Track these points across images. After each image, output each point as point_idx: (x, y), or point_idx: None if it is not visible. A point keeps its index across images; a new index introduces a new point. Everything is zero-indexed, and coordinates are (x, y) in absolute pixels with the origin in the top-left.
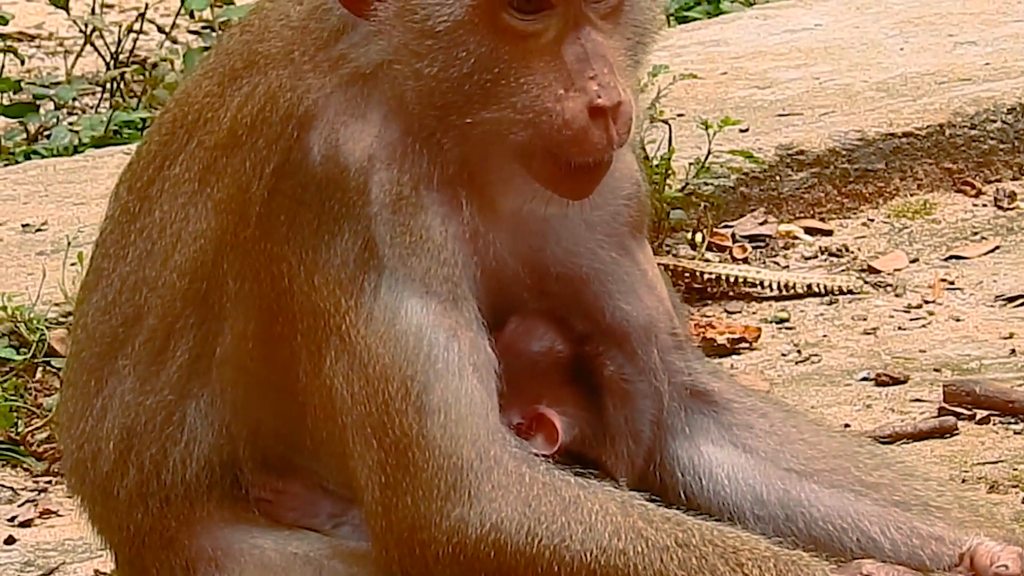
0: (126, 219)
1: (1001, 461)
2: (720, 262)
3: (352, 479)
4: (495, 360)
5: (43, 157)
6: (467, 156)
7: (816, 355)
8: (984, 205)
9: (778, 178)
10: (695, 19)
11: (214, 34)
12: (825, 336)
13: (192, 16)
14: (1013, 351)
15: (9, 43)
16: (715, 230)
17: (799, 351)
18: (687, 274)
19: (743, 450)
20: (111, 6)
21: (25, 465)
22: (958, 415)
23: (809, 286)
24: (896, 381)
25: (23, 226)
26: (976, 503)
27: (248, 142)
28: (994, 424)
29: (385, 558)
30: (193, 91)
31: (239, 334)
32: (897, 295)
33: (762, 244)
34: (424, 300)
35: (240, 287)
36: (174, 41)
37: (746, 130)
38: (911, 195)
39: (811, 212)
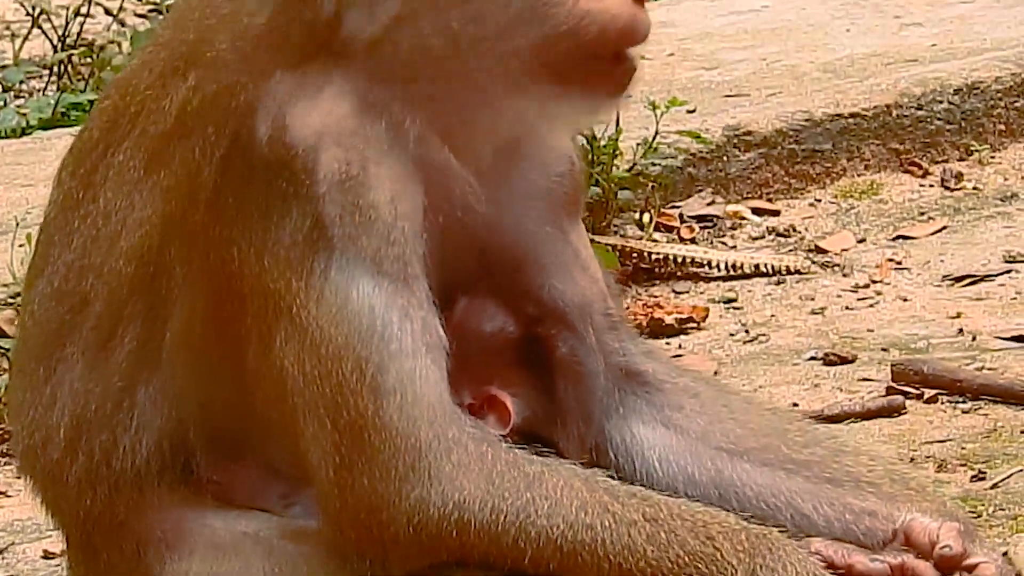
0: (70, 205)
1: (949, 440)
2: (668, 242)
3: (304, 460)
4: (446, 340)
5: None
6: (443, 115)
7: (764, 335)
8: (931, 185)
9: (725, 159)
10: None
11: (161, 17)
12: (773, 316)
13: None
14: (960, 330)
15: None
16: (663, 210)
17: (747, 331)
18: (635, 254)
19: (674, 431)
20: None
21: None
22: (906, 394)
23: (757, 266)
24: (844, 360)
25: None
26: (908, 477)
27: (197, 129)
28: (942, 403)
29: (340, 538)
30: (134, 81)
31: (187, 318)
32: (844, 275)
33: (710, 224)
34: (375, 280)
35: (188, 272)
36: (122, 24)
37: (693, 111)
38: (858, 175)
39: (758, 192)
